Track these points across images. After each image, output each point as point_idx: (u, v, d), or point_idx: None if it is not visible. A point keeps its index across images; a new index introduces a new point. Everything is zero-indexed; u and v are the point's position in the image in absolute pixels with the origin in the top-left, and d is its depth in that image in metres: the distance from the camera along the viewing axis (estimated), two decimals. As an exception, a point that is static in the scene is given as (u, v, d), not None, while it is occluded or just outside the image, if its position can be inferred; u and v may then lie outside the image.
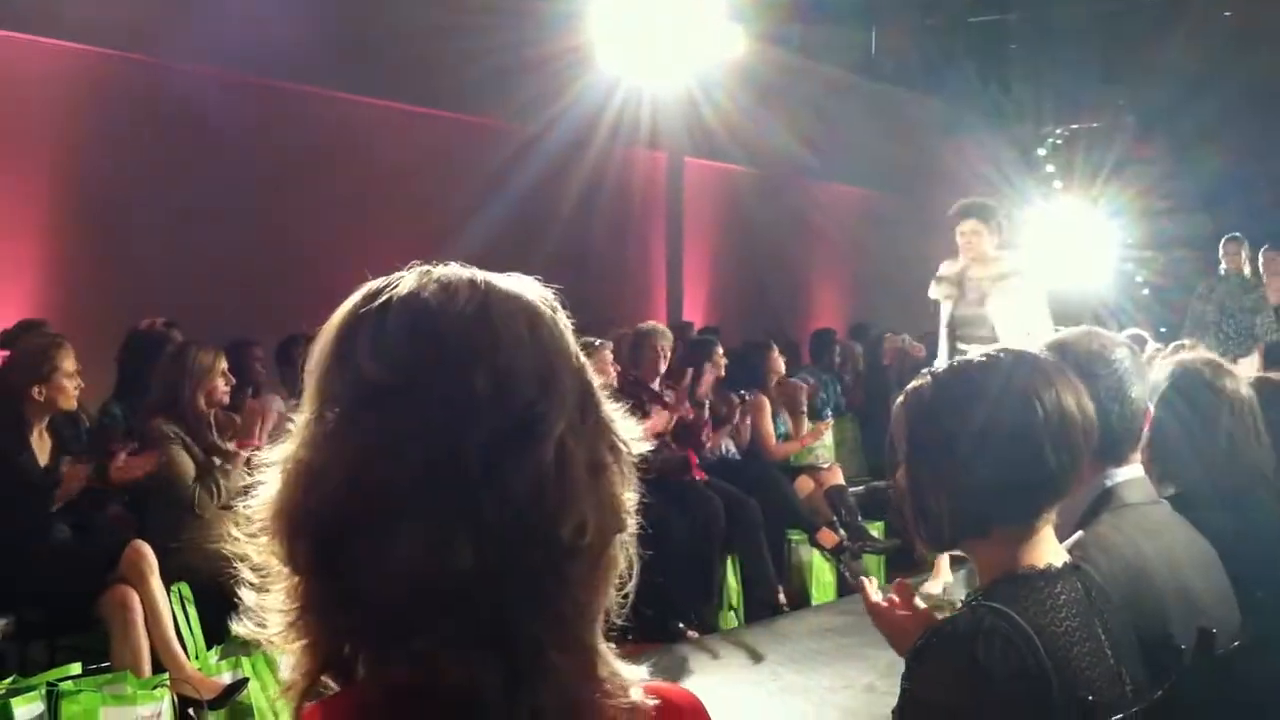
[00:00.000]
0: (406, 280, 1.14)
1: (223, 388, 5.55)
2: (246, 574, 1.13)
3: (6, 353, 5.86)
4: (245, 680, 4.91)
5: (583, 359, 1.16)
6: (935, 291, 7.30)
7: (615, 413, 1.16)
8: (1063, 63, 15.47)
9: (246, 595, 1.13)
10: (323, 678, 1.11)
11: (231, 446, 5.52)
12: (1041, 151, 16.47)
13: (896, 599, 2.36)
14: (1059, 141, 16.40)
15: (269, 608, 1.12)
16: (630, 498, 1.15)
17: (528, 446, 1.07)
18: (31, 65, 7.70)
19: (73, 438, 5.50)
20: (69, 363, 5.17)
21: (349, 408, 1.09)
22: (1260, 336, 10.07)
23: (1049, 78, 15.51)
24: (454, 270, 1.15)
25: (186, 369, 5.53)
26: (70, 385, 5.15)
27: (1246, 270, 10.55)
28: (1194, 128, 14.64)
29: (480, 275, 1.14)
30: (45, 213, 7.81)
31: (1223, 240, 10.63)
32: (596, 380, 1.16)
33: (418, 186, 9.47)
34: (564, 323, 1.16)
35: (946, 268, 7.29)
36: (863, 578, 2.54)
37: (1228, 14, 15.21)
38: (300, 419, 1.12)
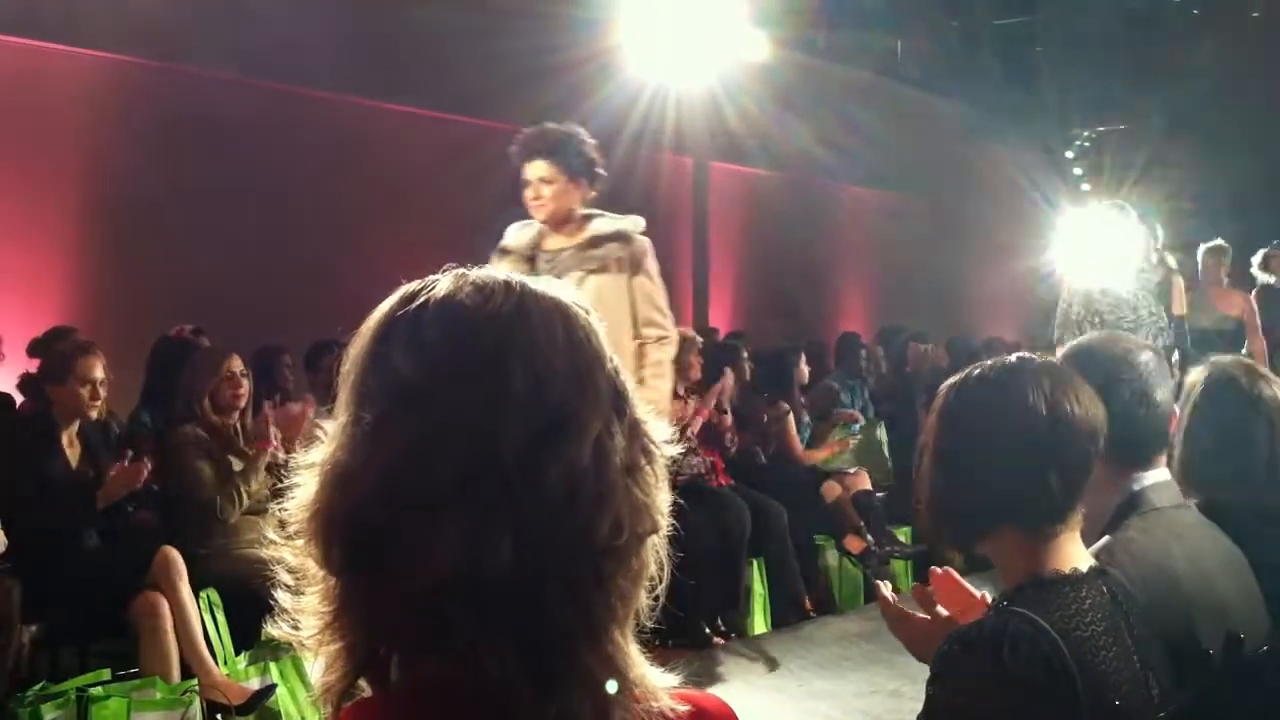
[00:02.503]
0: (442, 283, 1.14)
1: (233, 391, 5.53)
2: (283, 576, 1.14)
3: (37, 360, 5.91)
4: (273, 686, 4.93)
5: (616, 361, 1.16)
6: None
7: (647, 415, 1.17)
8: (1089, 65, 15.39)
9: (282, 597, 1.14)
10: (357, 681, 1.12)
11: (251, 451, 5.53)
12: (1069, 154, 16.41)
13: (934, 593, 2.36)
14: (1086, 144, 16.34)
15: (305, 610, 1.13)
16: (664, 499, 1.15)
17: (564, 446, 1.07)
18: (57, 74, 7.77)
19: (103, 445, 5.54)
20: (94, 370, 5.20)
21: (386, 409, 1.09)
22: (1156, 340, 8.02)
23: (1075, 80, 15.44)
24: (489, 273, 1.16)
25: (195, 374, 5.57)
26: (90, 392, 5.18)
27: None
28: (1222, 129, 14.56)
29: (515, 278, 1.15)
30: (73, 221, 7.87)
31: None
32: (630, 381, 1.17)
33: (444, 191, 9.50)
34: (597, 325, 1.17)
35: (515, 234, 5.15)
36: (879, 583, 2.53)
37: (1256, 14, 15.13)
38: (336, 421, 1.13)
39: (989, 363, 2.14)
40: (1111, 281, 7.60)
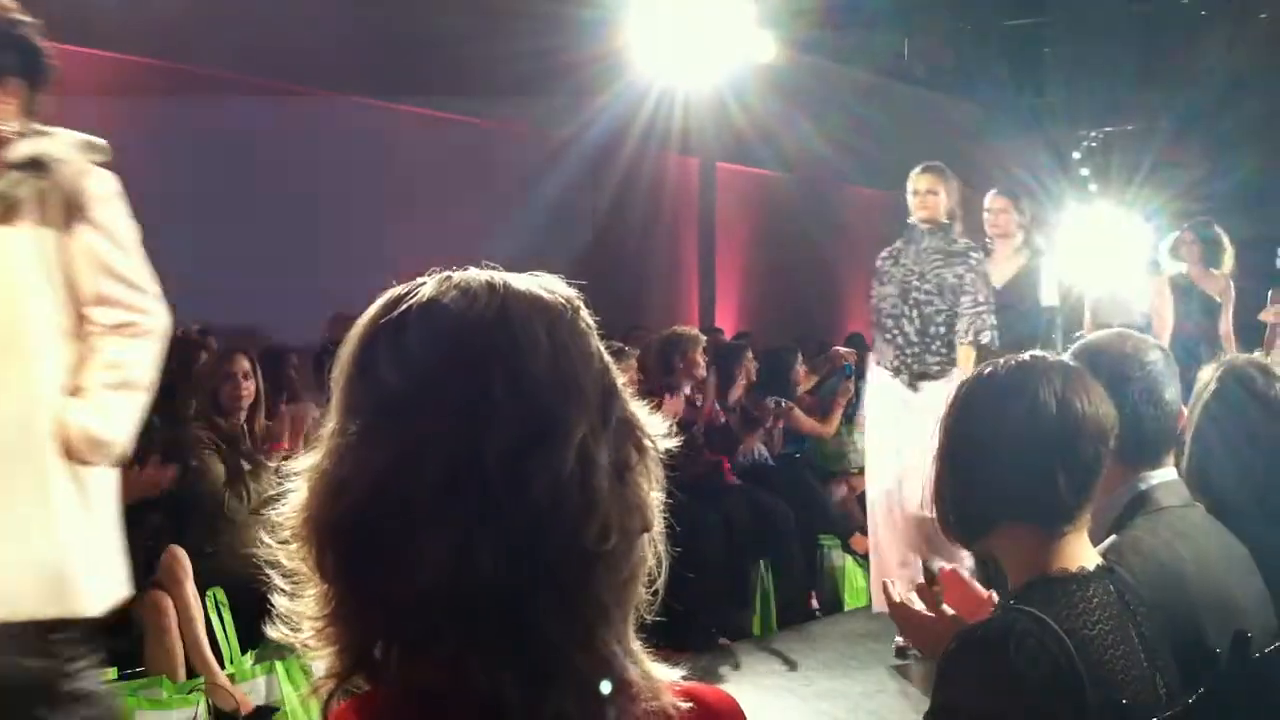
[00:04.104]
0: (426, 287, 1.14)
1: (235, 392, 5.51)
2: (278, 580, 1.14)
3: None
4: (273, 710, 4.93)
5: (606, 358, 1.15)
6: None
7: (640, 410, 1.16)
8: (1097, 65, 15.38)
9: (279, 601, 1.14)
10: (349, 680, 1.12)
11: (263, 452, 5.54)
12: (1076, 155, 16.38)
13: (941, 592, 2.35)
14: (1094, 144, 16.31)
15: (301, 613, 1.13)
16: (657, 496, 1.15)
17: (548, 453, 1.07)
18: (67, 74, 7.77)
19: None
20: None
21: (371, 418, 1.10)
22: (967, 335, 6.11)
23: (1084, 81, 15.43)
24: (473, 274, 1.15)
25: (200, 375, 5.59)
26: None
27: (958, 230, 6.43)
28: (1231, 130, 14.53)
29: (500, 278, 1.14)
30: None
31: (913, 172, 6.56)
32: (620, 379, 1.16)
33: (451, 191, 9.52)
34: (586, 322, 1.16)
35: None
36: (886, 580, 2.52)
37: (1264, 15, 15.11)
38: (326, 429, 1.13)
39: (1002, 360, 2.14)
40: (937, 266, 6.34)
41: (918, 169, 6.58)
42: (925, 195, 6.44)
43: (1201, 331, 8.03)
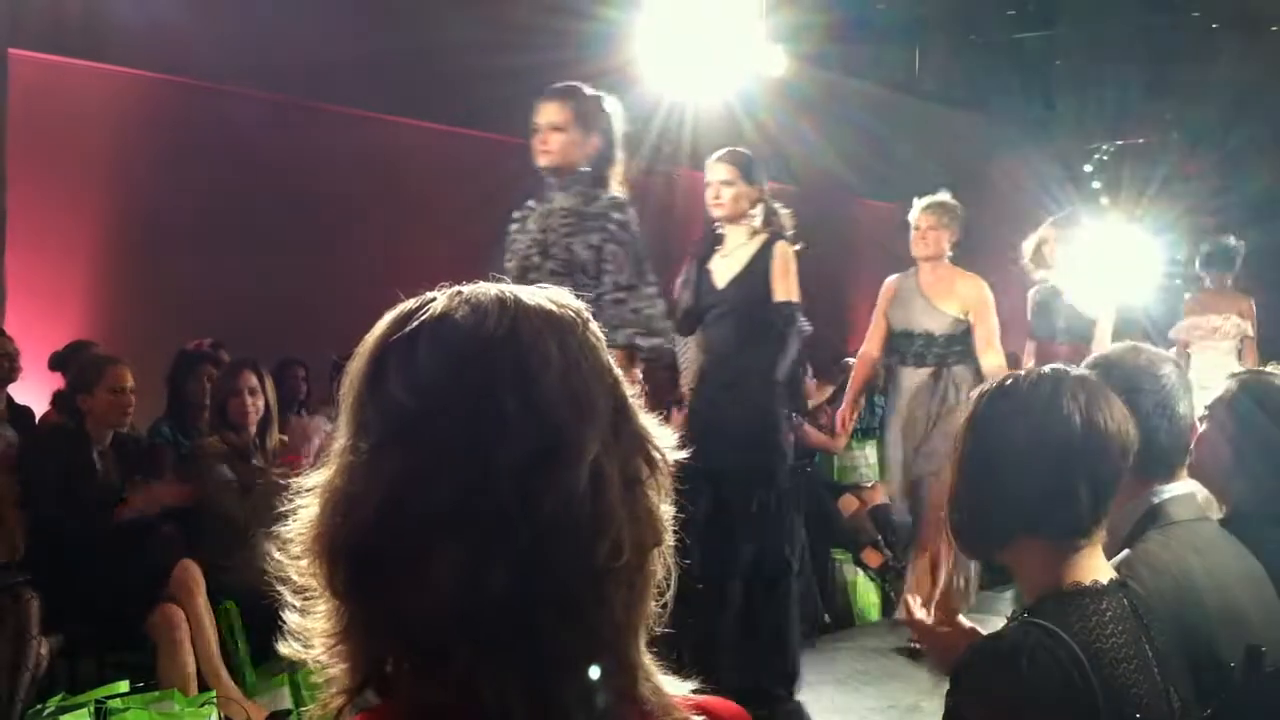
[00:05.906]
0: (437, 303, 1.13)
1: (241, 407, 5.51)
2: (289, 596, 1.14)
3: (59, 374, 5.94)
4: (289, 712, 4.92)
5: (616, 372, 1.15)
6: None
7: (650, 423, 1.16)
8: (1109, 78, 15.37)
9: (290, 617, 1.14)
10: (364, 693, 1.12)
11: (277, 465, 5.55)
12: (1088, 168, 16.38)
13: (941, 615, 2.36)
14: (1105, 158, 16.30)
15: (312, 629, 1.13)
16: (667, 510, 1.14)
17: (560, 468, 1.06)
18: (80, 89, 7.81)
19: (135, 457, 5.57)
20: (124, 378, 5.24)
21: (382, 436, 1.09)
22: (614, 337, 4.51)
23: (1095, 93, 15.43)
24: (483, 290, 1.14)
25: (214, 387, 5.62)
26: (119, 401, 5.22)
27: (615, 182, 4.80)
28: (1242, 142, 14.51)
29: (509, 293, 1.14)
30: (94, 236, 7.91)
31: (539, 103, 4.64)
32: (630, 391, 1.16)
33: (459, 206, 9.52)
34: (595, 335, 1.15)
35: None
36: (905, 595, 2.52)
37: (1275, 28, 15.10)
38: (336, 446, 1.13)
39: (1021, 372, 2.13)
40: (566, 234, 4.70)
41: (542, 97, 4.62)
42: (547, 132, 4.55)
43: (1072, 353, 6.27)
